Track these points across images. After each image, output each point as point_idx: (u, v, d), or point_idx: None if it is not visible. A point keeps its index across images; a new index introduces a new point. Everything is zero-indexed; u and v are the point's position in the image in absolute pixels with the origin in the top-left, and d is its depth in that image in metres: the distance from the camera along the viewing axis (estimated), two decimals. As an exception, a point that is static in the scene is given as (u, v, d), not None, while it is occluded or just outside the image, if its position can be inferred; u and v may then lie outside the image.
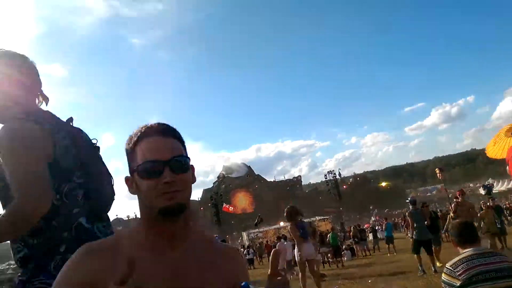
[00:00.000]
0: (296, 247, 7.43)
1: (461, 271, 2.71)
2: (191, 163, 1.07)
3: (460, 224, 3.10)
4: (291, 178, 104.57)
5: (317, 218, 38.95)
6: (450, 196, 20.54)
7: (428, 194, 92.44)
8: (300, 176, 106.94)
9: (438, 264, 8.25)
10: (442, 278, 2.87)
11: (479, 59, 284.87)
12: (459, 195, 9.61)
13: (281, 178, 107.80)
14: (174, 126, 1.10)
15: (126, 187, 1.08)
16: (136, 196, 1.06)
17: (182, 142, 1.08)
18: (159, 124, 1.06)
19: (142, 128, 1.05)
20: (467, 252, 2.85)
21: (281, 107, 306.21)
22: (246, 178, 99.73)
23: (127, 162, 1.08)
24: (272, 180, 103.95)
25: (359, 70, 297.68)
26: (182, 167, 1.02)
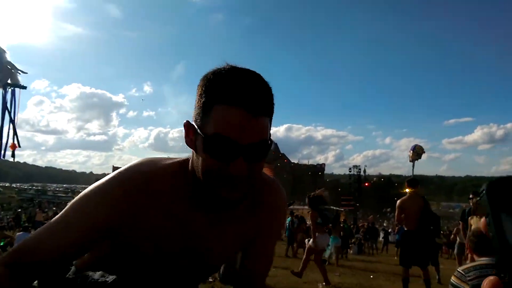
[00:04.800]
0: (312, 235, 7.15)
1: (472, 277, 2.62)
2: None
3: (482, 233, 2.98)
4: (315, 164, 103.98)
5: (332, 207, 38.77)
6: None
7: (451, 210, 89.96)
8: (324, 164, 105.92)
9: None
10: (451, 280, 2.78)
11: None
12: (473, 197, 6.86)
13: (305, 162, 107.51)
14: (271, 89, 0.84)
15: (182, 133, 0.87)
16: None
17: (271, 117, 0.85)
18: (255, 89, 0.80)
19: (233, 81, 0.79)
20: (483, 260, 2.74)
21: (324, 92, 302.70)
22: (270, 154, 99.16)
23: (196, 103, 0.84)
24: (296, 162, 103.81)
25: (413, 72, 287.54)
26: (260, 156, 0.83)
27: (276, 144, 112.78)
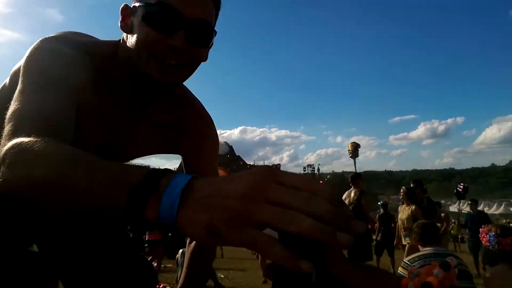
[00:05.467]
0: None
1: (417, 266, 2.74)
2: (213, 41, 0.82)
3: (424, 224, 3.21)
4: (271, 165, 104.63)
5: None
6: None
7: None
8: (279, 164, 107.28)
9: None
10: (398, 271, 2.92)
11: (478, 84, 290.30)
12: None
13: (261, 163, 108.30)
14: None
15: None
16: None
17: (217, 10, 0.83)
18: None
19: None
20: (426, 250, 2.91)
21: (277, 95, 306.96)
22: (226, 157, 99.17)
23: None
24: (252, 164, 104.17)
25: (359, 74, 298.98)
26: (202, 39, 0.79)
27: (231, 146, 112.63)
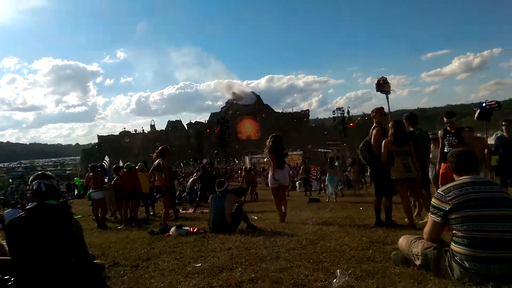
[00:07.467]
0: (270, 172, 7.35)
1: (452, 197, 2.64)
2: None
3: (460, 152, 2.98)
4: (299, 111, 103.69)
5: (320, 150, 39.36)
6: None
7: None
8: (308, 110, 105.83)
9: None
10: (432, 202, 2.81)
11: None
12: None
13: (289, 110, 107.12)
14: None
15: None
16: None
17: None
18: None
19: None
20: (462, 179, 2.75)
21: (300, 40, 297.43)
22: (254, 107, 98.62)
23: None
24: (280, 111, 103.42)
25: (383, 9, 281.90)
26: None
27: (258, 96, 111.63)
